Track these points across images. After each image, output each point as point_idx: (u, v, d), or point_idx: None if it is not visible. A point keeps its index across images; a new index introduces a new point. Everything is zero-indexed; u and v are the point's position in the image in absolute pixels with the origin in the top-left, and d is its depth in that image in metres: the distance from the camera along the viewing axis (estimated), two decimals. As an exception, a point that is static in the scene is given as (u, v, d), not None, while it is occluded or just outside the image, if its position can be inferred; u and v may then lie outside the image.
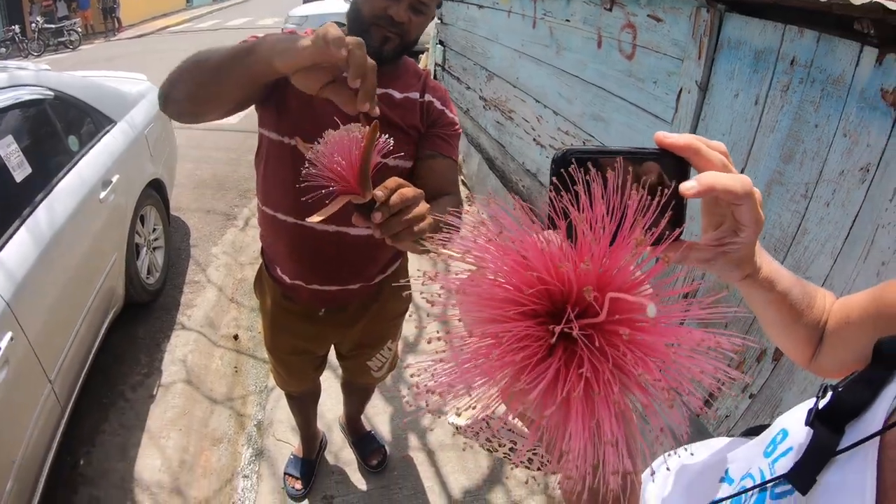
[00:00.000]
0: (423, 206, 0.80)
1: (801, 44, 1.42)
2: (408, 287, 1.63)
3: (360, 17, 1.19)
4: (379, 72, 1.27)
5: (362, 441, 2.25)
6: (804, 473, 0.47)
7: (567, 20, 2.70)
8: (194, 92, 1.00)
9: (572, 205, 0.36)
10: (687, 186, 0.44)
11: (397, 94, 1.31)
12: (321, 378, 1.91)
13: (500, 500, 2.12)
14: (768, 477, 0.53)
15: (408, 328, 2.79)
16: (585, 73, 2.61)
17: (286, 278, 1.45)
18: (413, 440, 2.34)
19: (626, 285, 0.34)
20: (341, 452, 2.27)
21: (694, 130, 1.84)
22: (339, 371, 2.31)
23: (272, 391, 2.51)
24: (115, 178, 2.62)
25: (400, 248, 0.80)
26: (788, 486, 0.49)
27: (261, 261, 1.61)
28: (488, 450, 0.83)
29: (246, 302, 3.22)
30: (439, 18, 5.02)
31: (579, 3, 2.55)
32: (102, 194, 2.47)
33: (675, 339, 0.33)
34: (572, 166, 0.40)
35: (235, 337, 2.91)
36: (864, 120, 1.30)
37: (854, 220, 1.35)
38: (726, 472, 0.66)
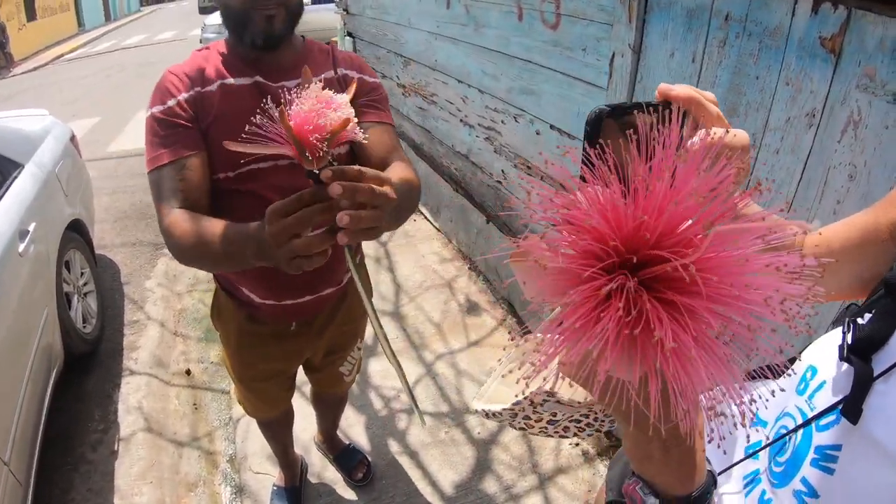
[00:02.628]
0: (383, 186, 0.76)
1: (734, -2, 1.44)
2: (369, 284, 1.59)
3: (233, 11, 1.14)
4: (283, 58, 1.24)
5: (343, 456, 2.18)
6: (853, 405, 0.50)
7: (483, -4, 2.66)
8: (206, 269, 1.15)
9: (624, 157, 0.35)
10: (691, 143, 0.44)
11: (328, 76, 1.29)
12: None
13: (493, 486, 2.12)
14: (809, 412, 0.56)
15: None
16: (509, 47, 2.58)
17: (255, 298, 1.36)
18: (394, 445, 2.29)
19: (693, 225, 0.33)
20: (324, 472, 2.19)
21: (631, 94, 1.85)
22: (305, 389, 2.22)
23: (238, 422, 2.38)
24: (31, 227, 2.37)
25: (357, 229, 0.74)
26: (832, 417, 0.53)
27: (213, 289, 1.51)
28: (521, 428, 0.82)
29: (191, 333, 3.04)
30: (345, 9, 4.85)
31: (495, -23, 2.51)
32: (21, 247, 2.24)
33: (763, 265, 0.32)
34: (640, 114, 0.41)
35: (188, 372, 2.75)
36: (804, 68, 1.33)
37: (805, 165, 1.39)
38: (755, 414, 0.67)
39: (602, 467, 2.18)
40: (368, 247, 3.41)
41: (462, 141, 3.39)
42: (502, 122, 2.83)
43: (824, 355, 0.57)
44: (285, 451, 1.99)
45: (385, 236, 3.72)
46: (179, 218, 1.04)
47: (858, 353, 0.52)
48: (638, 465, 0.46)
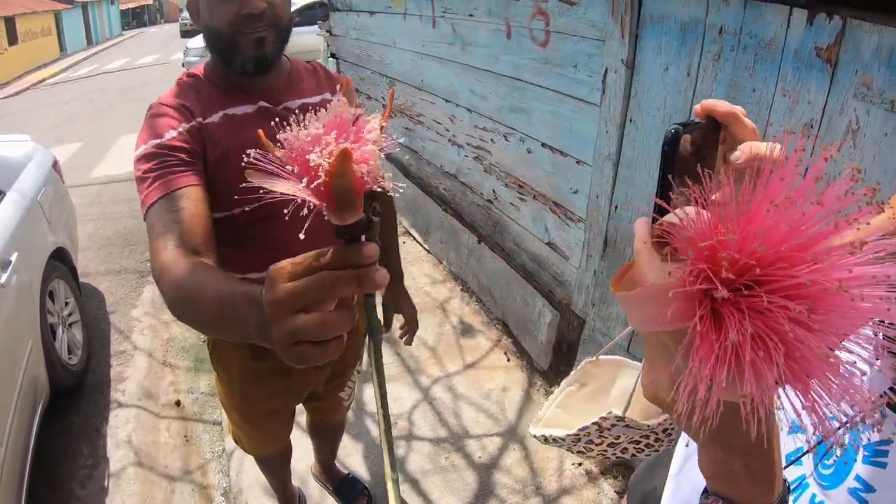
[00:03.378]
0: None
1: (728, 12, 1.44)
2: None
3: (218, 35, 1.09)
4: (276, 81, 1.19)
5: (343, 487, 2.11)
6: None
7: (470, 15, 2.66)
8: (199, 329, 0.89)
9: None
10: (735, 157, 0.46)
11: (312, 100, 1.25)
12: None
13: (497, 512, 2.06)
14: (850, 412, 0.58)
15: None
16: (497, 66, 2.58)
17: None
18: (393, 472, 2.23)
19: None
20: (323, 504, 2.12)
21: (626, 109, 1.85)
22: (300, 419, 2.16)
23: (232, 454, 2.31)
24: (13, 257, 2.31)
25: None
26: (877, 415, 0.54)
27: None
28: (579, 452, 0.81)
29: (180, 363, 2.97)
30: (328, 31, 4.86)
31: (482, -4, 2.51)
32: (3, 277, 2.17)
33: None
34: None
35: (177, 403, 2.67)
36: (801, 79, 1.33)
37: (804, 176, 1.38)
38: (793, 423, 0.71)
39: (606, 486, 2.13)
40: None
41: (451, 161, 3.37)
42: (492, 140, 2.82)
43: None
44: (283, 486, 1.93)
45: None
46: (173, 259, 0.87)
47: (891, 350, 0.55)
48: (717, 482, 0.44)
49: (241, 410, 1.49)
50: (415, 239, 4.00)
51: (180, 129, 1.05)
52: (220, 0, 1.06)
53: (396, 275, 1.64)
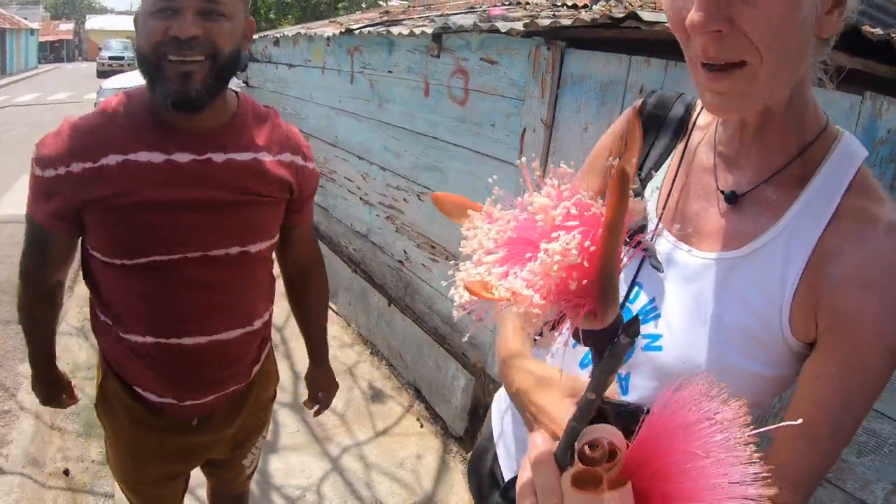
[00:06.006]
0: None
1: (649, 73, 1.47)
2: (276, 371, 1.35)
3: (142, 58, 0.93)
4: (209, 122, 1.00)
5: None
6: None
7: (389, 71, 2.63)
8: None
9: None
10: None
11: (241, 157, 1.04)
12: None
13: None
14: None
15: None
16: (414, 123, 2.55)
17: (152, 397, 1.12)
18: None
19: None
20: None
21: (544, 168, 1.83)
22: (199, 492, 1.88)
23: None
24: None
25: None
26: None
27: (96, 376, 1.22)
28: None
29: (70, 427, 2.57)
30: (245, 82, 4.73)
31: (402, 52, 2.50)
32: None
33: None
34: None
35: (66, 472, 2.31)
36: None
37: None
38: None
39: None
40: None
41: (362, 220, 3.27)
42: (404, 200, 2.75)
43: None
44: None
45: (279, 321, 3.44)
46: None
47: None
48: None
49: (131, 475, 1.24)
50: (322, 300, 3.81)
51: (72, 168, 0.96)
52: (151, 14, 0.90)
53: (323, 354, 1.52)
